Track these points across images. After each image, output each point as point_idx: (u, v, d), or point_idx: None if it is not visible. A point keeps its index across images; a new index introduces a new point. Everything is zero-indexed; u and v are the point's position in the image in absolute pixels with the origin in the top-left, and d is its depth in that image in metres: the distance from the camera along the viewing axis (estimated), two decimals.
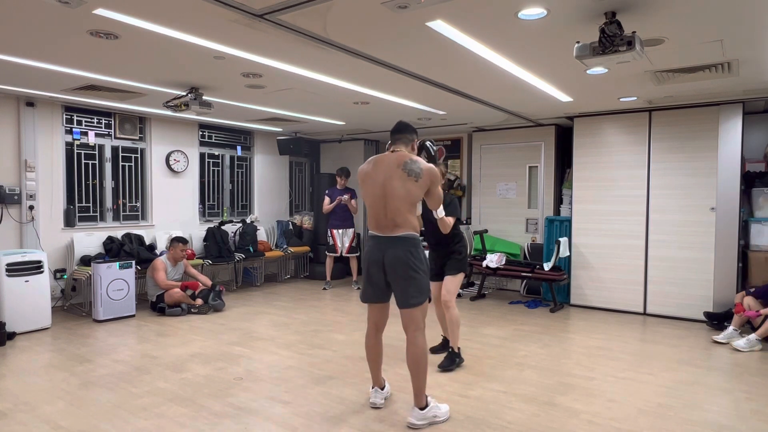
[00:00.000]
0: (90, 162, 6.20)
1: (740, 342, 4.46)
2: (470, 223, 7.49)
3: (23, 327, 4.82)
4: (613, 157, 5.96)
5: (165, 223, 6.79)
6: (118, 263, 5.42)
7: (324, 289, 7.22)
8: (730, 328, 4.69)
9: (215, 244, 6.91)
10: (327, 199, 7.19)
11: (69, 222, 5.92)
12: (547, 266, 6.08)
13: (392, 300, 3.08)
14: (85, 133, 6.09)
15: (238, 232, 7.27)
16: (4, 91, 5.18)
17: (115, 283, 5.37)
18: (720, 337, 4.68)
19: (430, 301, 3.10)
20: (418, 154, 3.33)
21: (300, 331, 5.00)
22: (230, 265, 7.14)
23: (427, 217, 3.79)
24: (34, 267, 4.97)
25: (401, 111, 5.94)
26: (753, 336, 4.45)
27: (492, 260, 6.36)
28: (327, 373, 3.82)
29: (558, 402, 3.31)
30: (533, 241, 6.93)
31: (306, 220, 8.39)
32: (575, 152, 6.22)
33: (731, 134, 5.27)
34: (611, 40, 2.81)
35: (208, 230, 7.02)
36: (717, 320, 5.12)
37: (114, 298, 5.37)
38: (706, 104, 5.37)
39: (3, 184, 5.38)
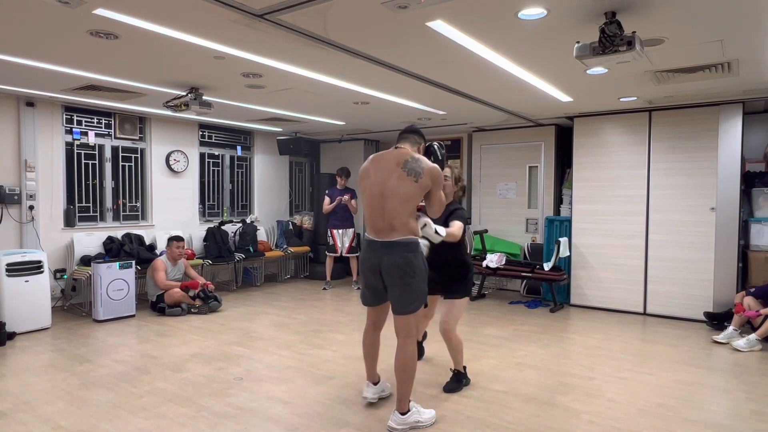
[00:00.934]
0: (90, 162, 6.20)
1: (740, 342, 4.46)
2: (470, 223, 7.49)
3: (23, 327, 4.82)
4: (613, 157, 5.96)
5: (165, 223, 6.79)
6: (118, 263, 5.42)
7: (324, 289, 7.23)
8: (730, 328, 4.69)
9: (215, 244, 6.91)
10: (327, 199, 7.19)
11: (69, 222, 5.92)
12: (547, 266, 6.08)
13: None
14: (85, 133, 6.09)
15: (238, 232, 7.27)
16: (4, 91, 5.18)
17: (115, 283, 5.37)
18: (720, 337, 4.68)
19: (426, 306, 2.97)
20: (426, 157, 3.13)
21: (300, 331, 5.00)
22: (230, 265, 7.14)
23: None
24: (34, 267, 4.97)
25: (401, 111, 5.94)
26: (753, 336, 4.45)
27: (492, 260, 6.36)
28: (327, 373, 3.82)
29: (558, 402, 3.31)
30: (533, 241, 6.93)
31: (306, 220, 8.39)
32: (575, 152, 6.22)
33: (731, 134, 5.27)
34: (611, 40, 2.81)
35: (208, 230, 7.02)
36: (717, 320, 5.12)
37: (114, 298, 5.37)
38: (706, 104, 5.37)
39: (3, 184, 5.39)
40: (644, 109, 5.71)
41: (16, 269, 4.85)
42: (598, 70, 4.03)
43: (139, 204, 6.69)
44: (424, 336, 4.15)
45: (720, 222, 5.32)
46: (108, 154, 6.32)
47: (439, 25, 3.09)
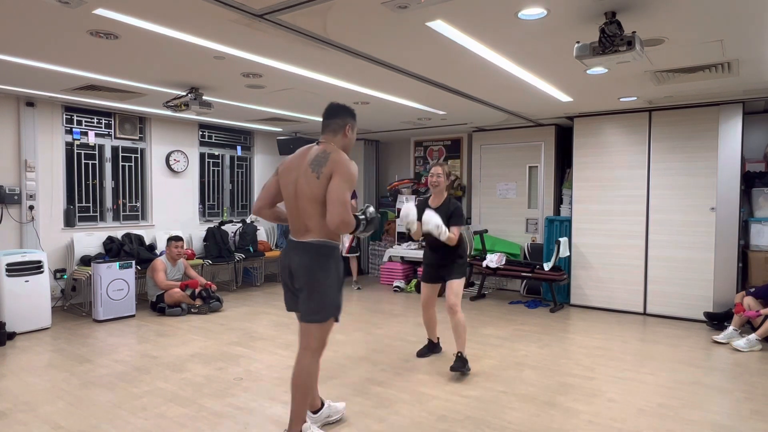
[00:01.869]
0: (90, 162, 6.20)
1: (740, 342, 4.46)
2: (470, 223, 7.49)
3: (23, 327, 4.82)
4: (613, 157, 5.96)
5: (165, 223, 6.79)
6: (118, 263, 5.42)
7: (358, 288, 7.21)
8: (730, 328, 4.69)
9: (215, 244, 6.91)
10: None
11: (69, 222, 5.92)
12: (547, 266, 6.08)
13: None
14: (85, 133, 6.09)
15: (238, 232, 7.27)
16: (4, 91, 5.18)
17: (115, 283, 5.37)
18: (720, 337, 4.68)
19: (336, 321, 2.65)
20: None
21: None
22: (230, 265, 7.14)
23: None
24: (34, 267, 4.97)
25: (401, 111, 5.94)
26: (753, 336, 4.45)
27: (492, 260, 6.36)
28: (327, 373, 3.81)
29: (558, 402, 3.31)
30: (533, 241, 6.93)
31: None
32: (575, 152, 6.21)
33: (731, 134, 5.27)
34: (611, 40, 2.81)
35: (208, 230, 7.02)
36: (717, 320, 5.11)
37: (114, 298, 5.36)
38: (706, 104, 5.37)
39: (3, 184, 5.38)
40: (644, 109, 5.71)
41: (16, 269, 4.85)
42: (598, 70, 4.03)
43: (139, 204, 6.69)
44: (436, 344, 4.34)
45: (720, 222, 5.32)
46: (108, 154, 6.32)
47: (439, 25, 3.09)
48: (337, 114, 2.66)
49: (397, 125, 7.07)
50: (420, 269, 7.37)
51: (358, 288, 7.24)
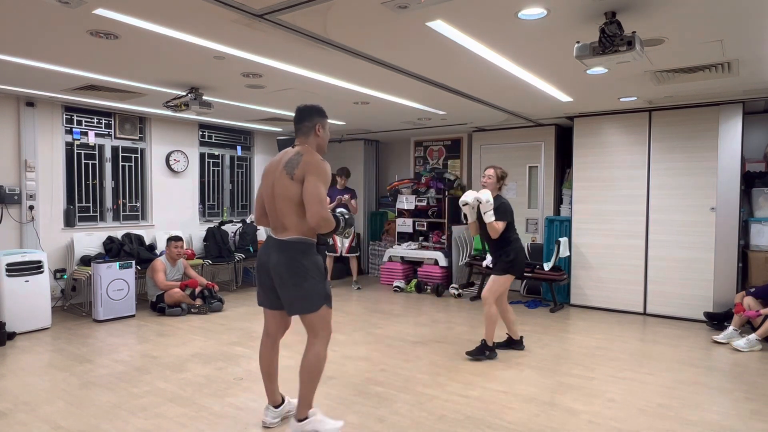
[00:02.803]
0: (90, 162, 6.20)
1: (740, 342, 4.46)
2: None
3: (23, 327, 4.82)
4: (613, 157, 5.96)
5: (165, 223, 6.79)
6: (118, 263, 5.42)
7: (358, 288, 7.21)
8: (730, 328, 4.69)
9: (215, 244, 6.91)
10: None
11: (69, 222, 5.92)
12: (547, 266, 6.08)
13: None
14: (85, 133, 6.09)
15: (238, 232, 7.27)
16: (4, 91, 5.18)
17: (115, 283, 5.37)
18: (720, 337, 4.68)
19: (329, 307, 2.79)
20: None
21: (300, 331, 4.95)
22: (230, 265, 7.14)
23: (480, 217, 4.08)
24: (34, 267, 4.97)
25: (401, 111, 5.94)
26: (753, 336, 4.45)
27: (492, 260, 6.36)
28: (327, 373, 3.80)
29: (558, 402, 3.31)
30: (533, 241, 6.93)
31: None
32: (575, 152, 6.21)
33: (731, 134, 5.27)
34: (611, 40, 2.81)
35: (208, 230, 7.02)
36: (717, 320, 5.11)
37: (114, 298, 5.36)
38: (706, 104, 5.37)
39: (3, 184, 5.39)
40: (644, 109, 5.71)
41: (16, 269, 4.85)
42: (598, 70, 4.03)
43: (139, 204, 6.69)
44: (517, 340, 4.43)
45: (720, 222, 5.32)
46: (108, 154, 6.32)
47: (439, 25, 3.09)
48: (305, 116, 2.78)
49: (397, 125, 7.07)
50: (420, 269, 7.41)
51: (358, 288, 7.24)
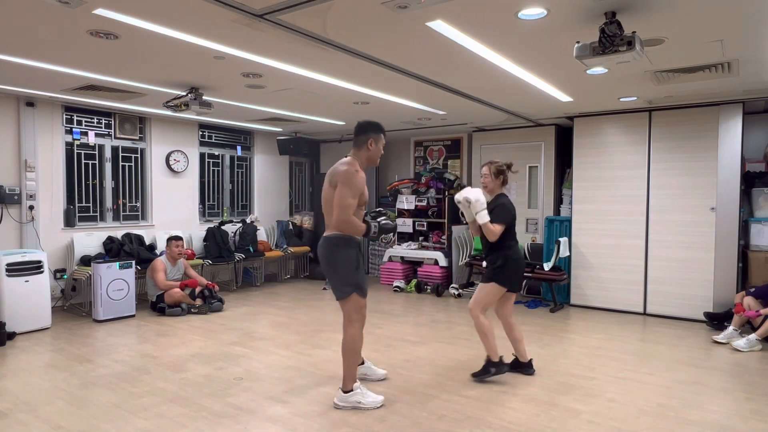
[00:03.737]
0: (90, 162, 6.20)
1: (740, 342, 4.46)
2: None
3: (23, 327, 4.81)
4: (613, 157, 5.96)
5: (165, 223, 6.79)
6: (118, 263, 5.42)
7: (324, 289, 7.22)
8: (730, 328, 4.69)
9: (215, 244, 6.91)
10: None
11: (69, 222, 5.92)
12: (547, 266, 6.08)
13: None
14: (85, 133, 6.09)
15: (238, 232, 7.27)
16: (4, 91, 5.18)
17: (115, 283, 5.37)
18: (720, 337, 4.68)
19: (361, 296, 3.17)
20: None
21: (300, 331, 5.00)
22: (230, 265, 7.14)
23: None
24: (34, 267, 4.97)
25: (401, 111, 5.94)
26: (753, 336, 4.44)
27: None
28: (327, 373, 3.81)
29: (558, 402, 3.31)
30: (533, 241, 6.93)
31: (306, 220, 8.39)
32: (575, 152, 6.21)
33: (731, 134, 5.27)
34: (611, 40, 2.81)
35: (208, 230, 7.02)
36: (717, 320, 5.11)
37: (114, 298, 5.36)
38: (706, 104, 5.37)
39: (3, 184, 5.38)
40: (644, 109, 5.71)
41: (16, 269, 4.85)
42: (598, 70, 4.03)
43: (139, 204, 6.69)
44: (525, 362, 3.83)
45: (720, 222, 5.32)
46: (108, 154, 6.32)
47: (439, 25, 3.09)
48: (362, 131, 3.26)
49: (397, 125, 7.07)
50: (420, 269, 7.40)
51: None
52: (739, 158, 5.25)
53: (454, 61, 3.84)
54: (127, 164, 6.54)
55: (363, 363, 3.60)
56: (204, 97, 4.92)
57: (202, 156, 7.37)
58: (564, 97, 5.09)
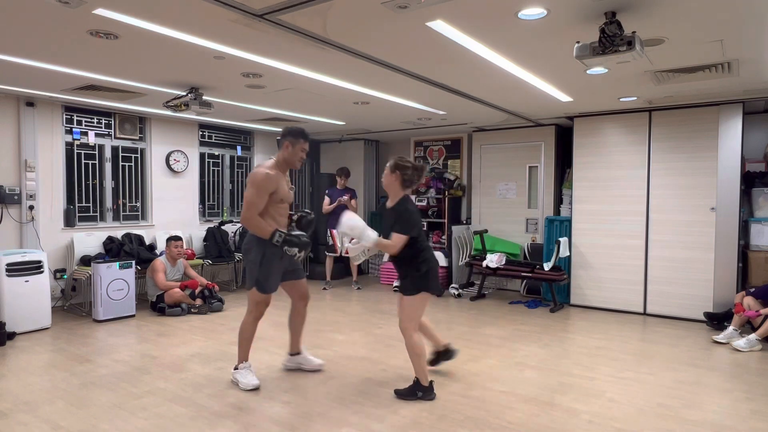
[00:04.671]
0: (90, 162, 6.20)
1: (740, 342, 4.46)
2: (470, 223, 7.49)
3: (23, 327, 4.81)
4: (613, 157, 5.96)
5: (165, 223, 6.79)
6: (118, 263, 5.42)
7: (324, 289, 7.22)
8: (730, 328, 4.69)
9: (215, 244, 6.91)
10: (327, 200, 7.18)
11: (69, 222, 5.92)
12: (547, 266, 6.08)
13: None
14: (85, 133, 6.08)
15: (238, 232, 7.26)
16: (4, 91, 5.18)
17: (115, 283, 5.37)
18: (720, 337, 4.68)
19: (260, 291, 3.54)
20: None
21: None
22: (230, 265, 7.14)
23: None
24: (34, 267, 4.97)
25: (401, 111, 5.94)
26: (753, 336, 4.45)
27: (492, 260, 6.36)
28: (327, 374, 3.82)
29: (558, 402, 3.31)
30: (533, 241, 6.93)
31: None
32: (575, 152, 6.21)
33: (731, 134, 5.27)
34: (611, 40, 2.81)
35: (208, 230, 7.02)
36: (717, 320, 5.11)
37: (114, 298, 5.36)
38: (706, 104, 5.37)
39: (3, 184, 5.38)
40: (644, 109, 5.71)
41: (16, 269, 4.85)
42: (598, 70, 4.03)
43: (139, 204, 6.69)
44: (442, 351, 3.82)
45: (720, 222, 5.32)
46: (108, 154, 6.32)
47: (439, 25, 3.09)
48: (282, 135, 3.58)
49: (397, 125, 7.07)
50: None
51: (358, 288, 7.24)
52: (739, 158, 5.25)
53: (454, 61, 3.84)
54: (127, 164, 6.54)
55: (300, 353, 3.89)
56: (204, 97, 4.91)
57: (202, 156, 7.37)
58: (564, 97, 5.09)
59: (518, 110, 5.92)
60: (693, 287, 5.48)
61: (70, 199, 6.00)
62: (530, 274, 6.17)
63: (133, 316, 5.51)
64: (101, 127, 6.23)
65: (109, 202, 6.37)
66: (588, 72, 4.12)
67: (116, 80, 4.58)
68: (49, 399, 3.31)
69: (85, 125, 6.09)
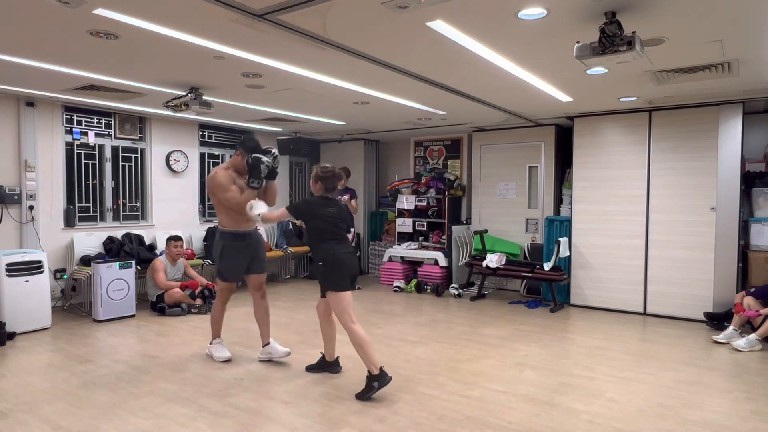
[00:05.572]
0: (90, 162, 6.20)
1: (740, 342, 4.46)
2: (470, 223, 7.49)
3: (23, 327, 4.82)
4: (613, 157, 5.96)
5: (165, 223, 6.79)
6: (118, 263, 5.42)
7: None
8: (730, 328, 4.69)
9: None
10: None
11: (69, 222, 5.92)
12: (547, 266, 6.08)
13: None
14: (85, 133, 6.08)
15: None
16: (4, 91, 5.18)
17: (115, 283, 5.37)
18: (720, 337, 4.68)
19: (222, 280, 4.05)
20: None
21: (300, 331, 5.00)
22: None
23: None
24: (34, 267, 4.97)
25: (401, 111, 5.94)
26: (753, 336, 4.45)
27: (492, 260, 6.36)
28: (327, 373, 3.81)
29: (558, 402, 3.31)
30: (533, 241, 6.94)
31: None
32: (575, 152, 6.21)
33: (731, 134, 5.27)
34: (611, 40, 2.81)
35: (208, 230, 7.02)
36: (717, 320, 5.12)
37: (114, 298, 5.36)
38: (706, 104, 5.37)
39: (3, 184, 5.38)
40: (644, 109, 5.71)
41: (16, 269, 4.85)
42: (598, 70, 4.03)
43: (139, 204, 6.69)
44: (331, 362, 3.84)
45: (720, 222, 5.32)
46: (108, 154, 6.32)
47: (439, 25, 3.09)
48: (239, 145, 3.97)
49: (397, 125, 7.07)
50: (420, 269, 7.40)
51: (358, 288, 7.24)
52: (739, 158, 5.25)
53: (454, 61, 3.84)
54: (127, 164, 6.54)
55: (269, 344, 4.09)
56: (204, 97, 4.91)
57: (202, 156, 7.37)
58: (564, 97, 5.09)
59: (518, 110, 5.92)
60: (693, 287, 5.48)
61: (70, 199, 6.00)
62: (530, 274, 6.17)
63: (133, 316, 5.52)
64: (101, 127, 6.23)
65: (109, 202, 6.37)
66: (588, 72, 4.12)
67: (116, 80, 4.58)
68: (49, 399, 3.31)
69: (85, 125, 6.09)
